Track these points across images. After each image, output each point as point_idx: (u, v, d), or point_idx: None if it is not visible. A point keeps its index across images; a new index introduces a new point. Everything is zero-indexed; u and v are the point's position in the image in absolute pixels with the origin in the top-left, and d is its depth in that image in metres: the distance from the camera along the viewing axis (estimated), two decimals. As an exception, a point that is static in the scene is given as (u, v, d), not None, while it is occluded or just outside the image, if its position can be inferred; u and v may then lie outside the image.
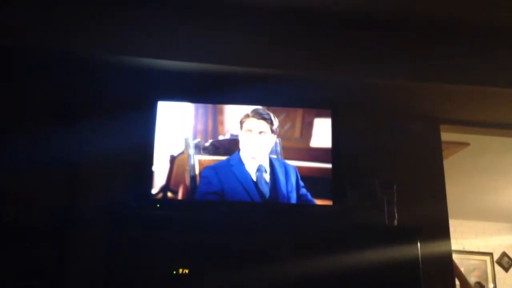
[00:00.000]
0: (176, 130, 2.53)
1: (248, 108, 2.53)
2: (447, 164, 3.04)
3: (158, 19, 2.51)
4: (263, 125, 2.50)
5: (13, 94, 2.69)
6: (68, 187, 2.55)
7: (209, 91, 2.66)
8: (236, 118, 2.52)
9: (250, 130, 2.50)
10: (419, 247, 2.28)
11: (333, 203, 2.47)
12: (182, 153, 2.50)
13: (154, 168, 2.46)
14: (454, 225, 2.87)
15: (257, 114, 2.51)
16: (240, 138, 2.51)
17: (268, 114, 2.51)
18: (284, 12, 2.52)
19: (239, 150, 2.50)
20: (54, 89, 2.72)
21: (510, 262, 6.72)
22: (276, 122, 2.51)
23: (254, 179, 2.46)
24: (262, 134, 2.50)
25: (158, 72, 2.56)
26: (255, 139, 2.49)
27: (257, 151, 2.49)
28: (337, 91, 2.69)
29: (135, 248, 2.21)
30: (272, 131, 2.51)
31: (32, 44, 2.41)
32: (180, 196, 2.47)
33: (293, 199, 2.48)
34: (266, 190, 2.47)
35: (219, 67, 2.50)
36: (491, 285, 6.58)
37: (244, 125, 2.50)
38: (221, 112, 2.56)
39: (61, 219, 2.48)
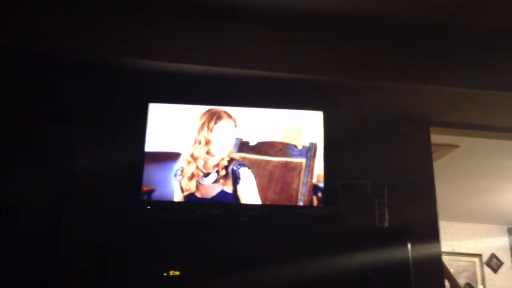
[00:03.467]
0: (168, 132, 2.52)
1: (243, 111, 2.54)
2: (437, 166, 3.05)
3: (149, 20, 2.50)
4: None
5: (4, 97, 2.67)
6: (60, 191, 2.53)
7: (200, 93, 2.66)
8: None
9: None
10: (409, 249, 2.29)
11: (324, 205, 2.47)
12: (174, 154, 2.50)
13: (144, 170, 2.46)
14: (443, 226, 2.89)
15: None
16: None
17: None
18: (278, 14, 2.51)
19: (230, 152, 2.51)
20: (45, 92, 2.71)
21: (499, 263, 6.77)
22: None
23: (245, 181, 2.47)
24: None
25: (149, 74, 2.55)
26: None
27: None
28: (328, 94, 2.70)
29: (126, 250, 2.19)
30: None
31: (23, 47, 2.38)
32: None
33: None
34: (257, 192, 2.48)
35: (210, 69, 2.49)
36: (480, 286, 6.63)
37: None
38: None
39: (53, 222, 2.46)
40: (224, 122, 2.53)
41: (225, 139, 2.51)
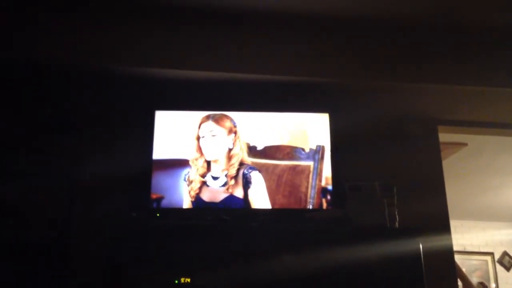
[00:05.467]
0: (175, 139, 2.53)
1: (249, 115, 2.54)
2: (446, 164, 3.04)
3: (154, 28, 2.51)
4: None
5: (12, 107, 2.69)
6: (68, 200, 2.54)
7: (207, 99, 2.66)
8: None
9: None
10: (421, 249, 2.28)
11: (333, 207, 2.46)
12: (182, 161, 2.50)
13: (153, 177, 2.46)
14: (454, 225, 2.87)
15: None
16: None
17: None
18: (282, 17, 2.52)
19: (237, 157, 2.51)
20: (52, 101, 2.72)
21: (511, 261, 6.71)
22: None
23: (254, 185, 2.47)
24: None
25: (156, 81, 2.56)
26: None
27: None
28: (334, 95, 2.69)
29: (136, 258, 2.19)
30: None
31: (29, 56, 2.40)
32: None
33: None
34: (266, 196, 2.47)
35: (216, 75, 2.49)
36: (493, 285, 6.57)
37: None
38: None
39: (62, 231, 2.47)
40: (205, 125, 2.52)
41: (208, 142, 2.51)
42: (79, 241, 2.47)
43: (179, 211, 2.46)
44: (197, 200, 2.45)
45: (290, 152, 2.53)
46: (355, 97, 2.74)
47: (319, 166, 2.52)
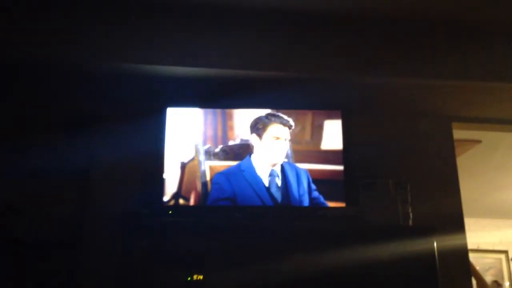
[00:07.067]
0: (186, 136, 2.53)
1: (259, 112, 2.53)
2: (460, 162, 3.01)
3: (165, 26, 2.51)
4: (287, 132, 2.50)
5: (23, 105, 2.71)
6: (80, 197, 2.55)
7: (217, 96, 2.66)
8: (246, 122, 2.51)
9: (278, 137, 2.49)
10: (435, 247, 2.26)
11: (346, 205, 2.45)
12: (193, 159, 2.49)
13: (165, 175, 2.46)
14: (468, 223, 2.83)
15: (283, 121, 2.50)
16: (259, 143, 2.49)
17: (288, 121, 2.50)
18: (293, 15, 2.51)
19: (249, 155, 2.49)
20: (63, 99, 2.74)
21: (525, 259, 6.65)
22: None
23: (266, 183, 2.45)
24: (287, 140, 2.50)
25: (166, 78, 2.56)
26: (282, 146, 2.49)
27: (281, 157, 2.49)
28: (347, 92, 2.68)
29: (148, 256, 2.20)
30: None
31: (42, 56, 2.41)
32: (192, 202, 2.46)
33: (306, 202, 2.46)
34: (278, 194, 2.45)
35: (227, 72, 2.49)
36: (507, 283, 6.51)
37: (269, 131, 2.49)
38: (230, 117, 2.55)
39: (74, 229, 2.48)
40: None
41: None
42: (92, 239, 2.48)
43: (192, 209, 2.46)
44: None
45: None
46: (369, 94, 2.73)
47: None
